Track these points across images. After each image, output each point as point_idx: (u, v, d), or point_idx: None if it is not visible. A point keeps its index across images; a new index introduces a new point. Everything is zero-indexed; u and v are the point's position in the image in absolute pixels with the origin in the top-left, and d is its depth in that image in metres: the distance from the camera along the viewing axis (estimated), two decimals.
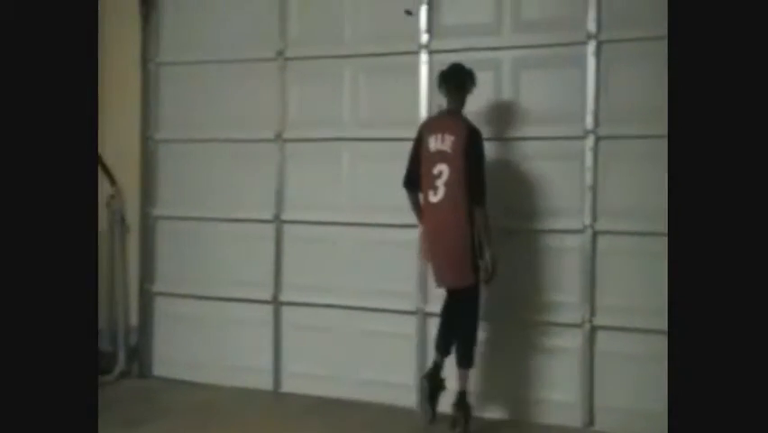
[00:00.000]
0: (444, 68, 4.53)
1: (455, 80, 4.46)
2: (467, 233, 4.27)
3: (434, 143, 4.36)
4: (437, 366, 4.46)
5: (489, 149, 4.75)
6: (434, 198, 4.32)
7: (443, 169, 4.29)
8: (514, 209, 4.81)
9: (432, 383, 4.42)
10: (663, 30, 4.28)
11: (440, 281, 4.45)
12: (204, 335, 5.57)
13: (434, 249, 4.41)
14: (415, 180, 4.49)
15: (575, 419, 4.66)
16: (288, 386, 5.37)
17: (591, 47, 4.62)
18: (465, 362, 4.41)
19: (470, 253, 4.28)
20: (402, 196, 4.61)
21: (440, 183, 4.29)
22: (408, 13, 5.05)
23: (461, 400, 4.41)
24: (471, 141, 4.31)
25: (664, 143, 3.89)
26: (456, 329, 4.45)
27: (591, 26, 4.62)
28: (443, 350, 4.47)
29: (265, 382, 5.40)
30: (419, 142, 4.47)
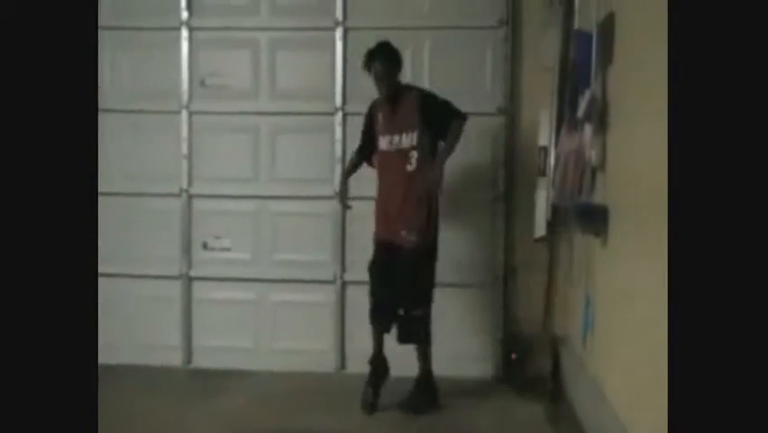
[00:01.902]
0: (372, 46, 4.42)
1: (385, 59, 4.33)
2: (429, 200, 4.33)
3: (390, 145, 4.35)
4: (381, 346, 4.43)
5: (249, 122, 5.02)
6: (410, 167, 4.33)
7: (412, 154, 4.32)
8: (272, 177, 5.09)
9: (382, 366, 4.44)
10: (400, 21, 4.90)
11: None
12: (110, 314, 5.04)
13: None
14: (367, 154, 4.54)
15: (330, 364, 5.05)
16: (201, 361, 5.15)
17: (339, 32, 4.99)
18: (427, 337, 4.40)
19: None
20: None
21: (412, 155, 4.31)
22: None
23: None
24: (424, 107, 4.31)
25: None
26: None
27: (339, 14, 4.99)
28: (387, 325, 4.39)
29: (176, 359, 5.15)
30: (370, 121, 4.50)
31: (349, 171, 4.65)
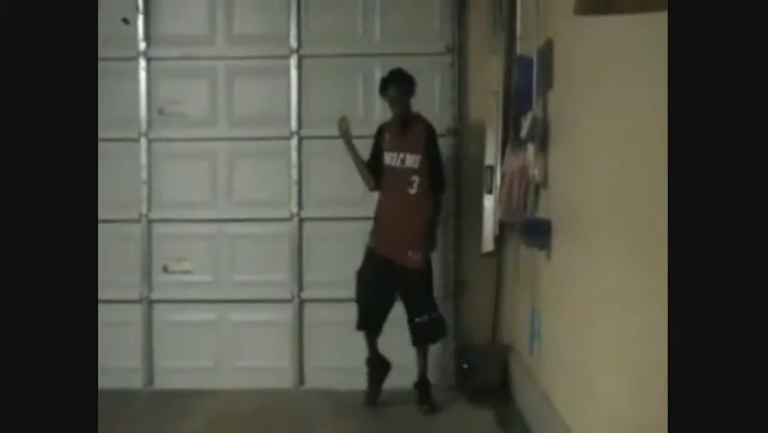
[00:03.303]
0: (385, 74, 4.53)
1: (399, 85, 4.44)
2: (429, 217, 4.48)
3: (396, 161, 4.45)
4: (375, 346, 4.56)
5: (207, 148, 5.04)
6: (412, 191, 4.43)
7: (414, 178, 4.42)
8: (231, 201, 5.11)
9: (383, 365, 4.56)
10: (352, 48, 4.97)
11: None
12: None
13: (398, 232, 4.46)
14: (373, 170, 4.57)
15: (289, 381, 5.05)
16: (162, 383, 5.07)
17: (294, 60, 5.04)
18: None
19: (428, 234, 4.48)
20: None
21: (414, 179, 4.42)
22: (125, 21, 5.08)
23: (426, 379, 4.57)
24: (429, 142, 4.48)
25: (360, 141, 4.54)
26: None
27: (293, 42, 5.04)
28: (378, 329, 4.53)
29: (137, 381, 5.06)
30: (378, 140, 4.56)
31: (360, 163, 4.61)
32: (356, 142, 4.54)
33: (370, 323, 4.52)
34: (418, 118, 4.54)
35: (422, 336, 4.50)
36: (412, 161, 4.44)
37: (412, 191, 4.44)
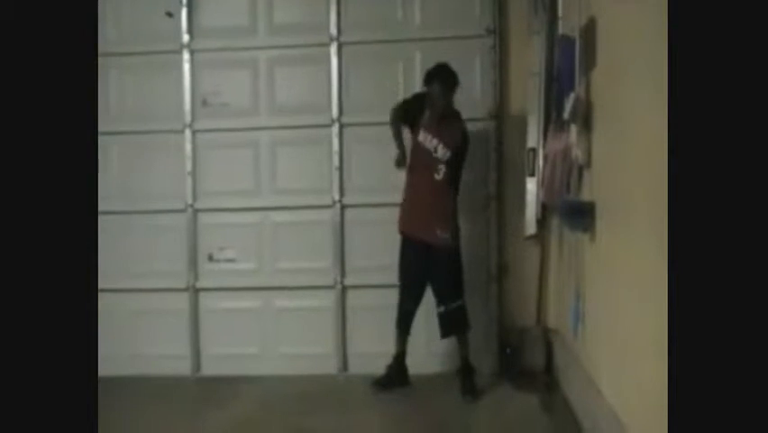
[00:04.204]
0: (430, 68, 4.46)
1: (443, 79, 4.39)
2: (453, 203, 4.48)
3: (429, 143, 4.42)
4: (405, 351, 4.60)
5: (249, 137, 5.05)
6: (438, 177, 4.42)
7: (441, 167, 4.41)
8: (273, 189, 5.11)
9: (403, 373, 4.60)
10: (392, 34, 4.92)
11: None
12: (120, 328, 5.07)
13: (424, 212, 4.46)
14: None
15: (332, 366, 5.05)
16: (209, 369, 5.12)
17: (334, 48, 5.01)
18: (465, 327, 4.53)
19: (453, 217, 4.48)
20: None
21: (441, 167, 4.40)
22: (169, 14, 5.11)
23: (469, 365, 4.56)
24: (462, 142, 4.47)
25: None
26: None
27: (333, 30, 5.01)
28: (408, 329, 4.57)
29: (185, 368, 5.10)
30: (419, 109, 4.49)
31: (397, 135, 4.60)
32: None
33: (407, 325, 4.55)
34: (457, 116, 4.50)
35: (446, 327, 4.47)
36: (443, 153, 4.39)
37: (438, 177, 4.40)
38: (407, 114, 4.53)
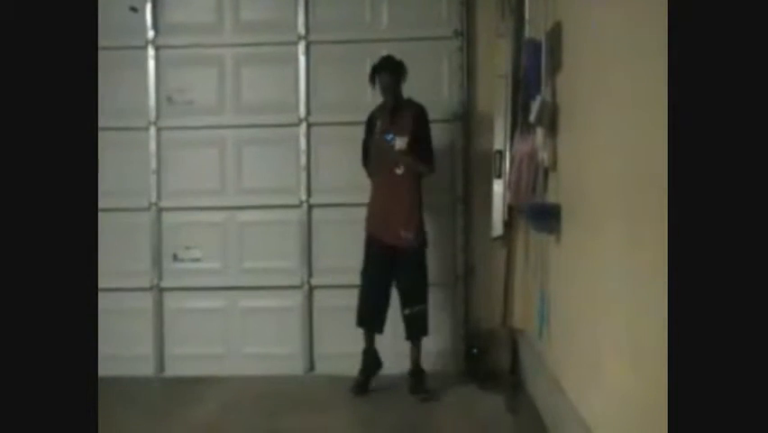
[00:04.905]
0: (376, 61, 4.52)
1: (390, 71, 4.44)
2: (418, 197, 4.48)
3: (387, 139, 4.43)
4: (373, 342, 4.58)
5: (216, 136, 5.02)
6: (399, 171, 4.41)
7: (400, 159, 4.41)
8: (239, 188, 5.08)
9: (375, 361, 4.58)
10: (360, 34, 4.93)
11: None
12: None
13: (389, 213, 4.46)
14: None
15: (299, 367, 5.04)
16: (173, 370, 5.07)
17: (302, 46, 5.00)
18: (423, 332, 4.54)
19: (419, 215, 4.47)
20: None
21: (400, 160, 4.41)
22: (134, 9, 5.05)
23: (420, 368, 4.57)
24: (419, 123, 4.46)
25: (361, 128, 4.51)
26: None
27: (301, 29, 5.00)
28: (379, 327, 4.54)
29: (147, 369, 5.07)
30: (370, 128, 4.53)
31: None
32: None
33: (371, 323, 4.53)
34: (410, 103, 4.51)
35: (412, 330, 4.49)
36: (400, 143, 4.41)
37: (399, 171, 4.42)
38: (366, 152, 4.56)
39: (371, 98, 4.71)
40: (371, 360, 4.59)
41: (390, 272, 4.48)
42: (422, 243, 4.49)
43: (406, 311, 4.48)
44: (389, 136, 4.44)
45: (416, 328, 4.49)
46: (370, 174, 4.59)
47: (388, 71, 4.42)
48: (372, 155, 4.53)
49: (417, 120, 4.47)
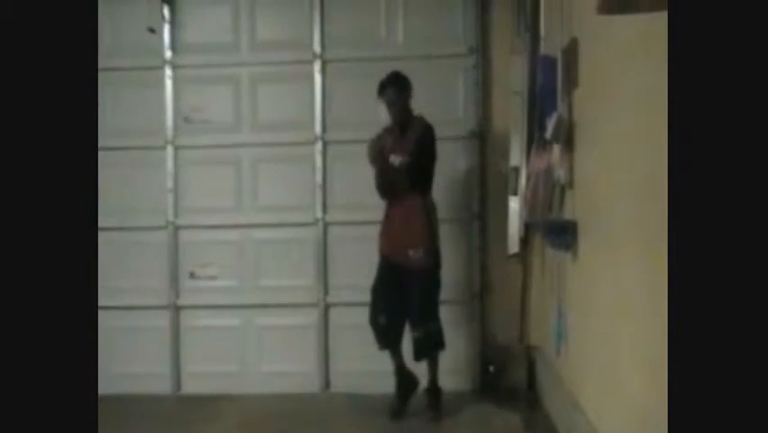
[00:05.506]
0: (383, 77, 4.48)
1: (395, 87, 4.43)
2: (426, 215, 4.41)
3: (394, 160, 4.39)
4: (401, 359, 4.48)
5: (232, 154, 5.06)
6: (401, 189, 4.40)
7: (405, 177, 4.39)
8: (255, 206, 5.11)
9: (409, 380, 4.50)
10: (375, 52, 4.96)
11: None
12: (99, 346, 4.98)
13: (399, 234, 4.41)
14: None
15: (314, 385, 5.04)
16: (190, 388, 5.09)
17: (317, 65, 5.05)
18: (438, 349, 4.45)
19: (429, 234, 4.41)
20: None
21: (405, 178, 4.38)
22: (152, 30, 5.12)
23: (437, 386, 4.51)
24: (422, 139, 4.42)
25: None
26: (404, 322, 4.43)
27: (316, 47, 5.05)
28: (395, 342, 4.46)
29: (165, 387, 5.08)
30: (381, 146, 4.48)
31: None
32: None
33: (387, 342, 4.46)
34: (418, 121, 4.47)
35: (419, 352, 4.40)
36: (401, 162, 4.37)
37: (401, 189, 4.39)
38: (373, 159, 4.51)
39: (386, 116, 4.74)
40: (403, 378, 4.50)
41: (400, 290, 4.40)
42: (434, 262, 4.42)
43: (415, 333, 4.39)
44: (392, 157, 4.42)
45: (428, 348, 4.39)
46: (380, 195, 4.54)
47: (392, 87, 4.42)
48: (375, 174, 4.50)
49: (419, 137, 4.41)
